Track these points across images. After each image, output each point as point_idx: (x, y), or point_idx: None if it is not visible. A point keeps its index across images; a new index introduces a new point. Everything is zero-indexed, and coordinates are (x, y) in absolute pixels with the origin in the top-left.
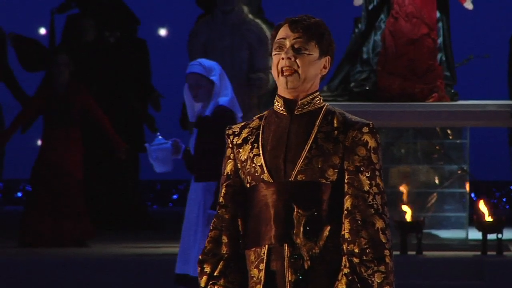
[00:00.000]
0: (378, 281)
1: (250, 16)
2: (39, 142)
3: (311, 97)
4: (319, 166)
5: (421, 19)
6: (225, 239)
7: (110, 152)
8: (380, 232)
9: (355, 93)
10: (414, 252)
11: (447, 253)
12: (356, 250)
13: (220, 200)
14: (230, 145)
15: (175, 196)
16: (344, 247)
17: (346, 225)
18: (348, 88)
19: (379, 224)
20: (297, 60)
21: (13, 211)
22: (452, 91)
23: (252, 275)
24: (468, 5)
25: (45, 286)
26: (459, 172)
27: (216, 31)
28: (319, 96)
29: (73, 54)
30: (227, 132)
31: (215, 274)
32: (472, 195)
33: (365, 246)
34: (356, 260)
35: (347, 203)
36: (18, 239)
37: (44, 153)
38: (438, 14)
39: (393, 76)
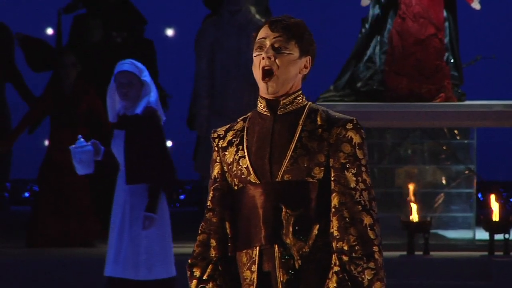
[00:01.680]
0: (369, 278)
1: (257, 16)
2: (46, 143)
3: (293, 96)
4: (305, 165)
5: (428, 19)
6: (213, 242)
7: None
8: (369, 228)
9: (362, 92)
10: (421, 252)
11: (454, 253)
12: (345, 248)
13: (208, 204)
14: (216, 148)
15: (182, 197)
16: (333, 245)
17: (334, 223)
18: (355, 88)
19: (367, 220)
20: (277, 60)
21: (20, 211)
22: (459, 91)
23: (245, 277)
24: (476, 5)
25: (52, 286)
26: (466, 172)
27: (223, 31)
28: (301, 95)
29: (80, 55)
30: (212, 136)
31: (204, 278)
32: (479, 195)
33: (354, 243)
34: (345, 258)
35: (334, 201)
36: (25, 239)
37: (51, 154)
38: (445, 14)
39: (400, 76)
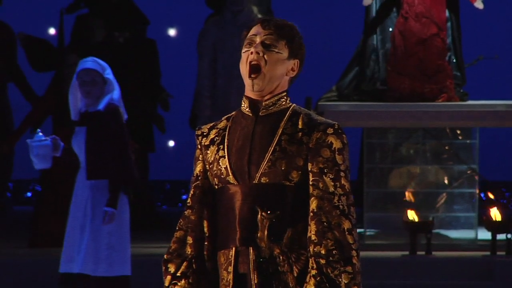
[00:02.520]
0: (345, 282)
1: (260, 16)
2: None
3: (276, 97)
4: (283, 168)
5: (430, 18)
6: (190, 240)
7: None
8: (347, 233)
9: (364, 93)
10: (423, 252)
11: (457, 253)
12: (323, 252)
13: (188, 201)
14: (199, 146)
15: (184, 197)
16: (311, 249)
17: (312, 227)
18: (357, 88)
19: (346, 225)
20: (265, 56)
21: (22, 211)
22: (462, 91)
23: (222, 277)
24: (479, 5)
25: (54, 286)
26: (468, 172)
27: (225, 31)
28: (285, 97)
29: (82, 54)
30: (196, 133)
31: (177, 274)
32: (482, 195)
33: (332, 248)
34: (322, 261)
35: (313, 205)
36: (28, 239)
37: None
38: (447, 14)
39: (402, 76)
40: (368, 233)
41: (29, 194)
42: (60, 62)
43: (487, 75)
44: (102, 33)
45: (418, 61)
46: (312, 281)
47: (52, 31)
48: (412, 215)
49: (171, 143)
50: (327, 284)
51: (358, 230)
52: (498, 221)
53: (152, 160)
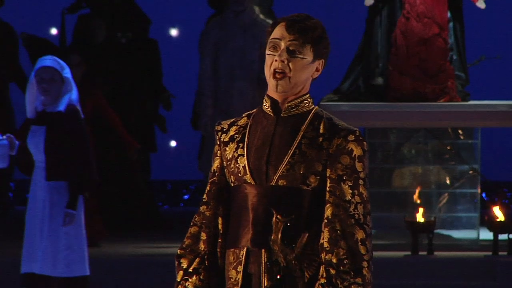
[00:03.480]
0: None
1: (262, 16)
2: None
3: (299, 100)
4: (301, 172)
5: (432, 18)
6: (203, 236)
7: (122, 152)
8: (360, 243)
9: (366, 92)
10: (425, 252)
11: (458, 253)
12: (334, 260)
13: (204, 197)
14: (218, 142)
15: (186, 197)
16: (322, 256)
17: (326, 234)
18: (359, 88)
19: (359, 234)
20: (290, 64)
21: (24, 211)
22: (464, 91)
23: (230, 276)
24: (481, 5)
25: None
26: (470, 172)
27: (227, 31)
28: (308, 99)
29: (84, 54)
30: (216, 128)
31: (189, 270)
32: (483, 195)
33: (343, 257)
34: (332, 271)
35: (328, 212)
36: None
37: None
38: (449, 14)
39: (404, 76)
40: None
41: None
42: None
43: (489, 75)
44: (104, 33)
45: (420, 61)
46: None
47: (54, 31)
48: (419, 216)
49: (173, 143)
50: None
51: None
52: (500, 221)
53: (154, 160)
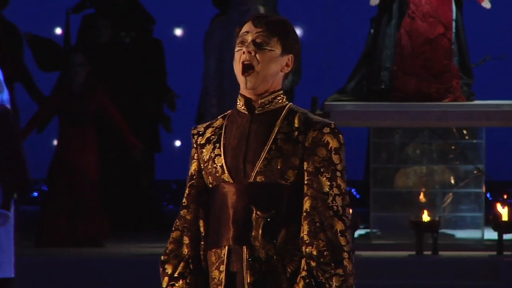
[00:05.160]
0: (337, 285)
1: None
2: (55, 142)
3: (272, 96)
4: (279, 167)
5: (437, 18)
6: (186, 240)
7: (126, 152)
8: (339, 234)
9: (370, 92)
10: (429, 252)
11: (463, 253)
12: (314, 253)
13: (183, 201)
14: (195, 145)
15: None
16: (303, 249)
17: (305, 227)
18: (364, 88)
19: (339, 226)
20: (257, 55)
21: (29, 211)
22: (468, 91)
23: (213, 276)
24: (486, 4)
25: (61, 286)
26: (474, 172)
27: (231, 31)
28: (282, 95)
29: (89, 54)
30: (192, 132)
31: (175, 275)
32: (488, 195)
33: (323, 249)
34: (313, 263)
35: (306, 205)
36: (34, 239)
37: (60, 153)
38: (454, 14)
39: (408, 76)
40: (374, 233)
41: (35, 194)
42: (67, 62)
43: (494, 75)
44: (108, 33)
45: (425, 61)
46: (302, 283)
47: (58, 31)
48: (425, 217)
49: (178, 143)
50: None
51: (364, 231)
52: (505, 221)
53: (158, 160)
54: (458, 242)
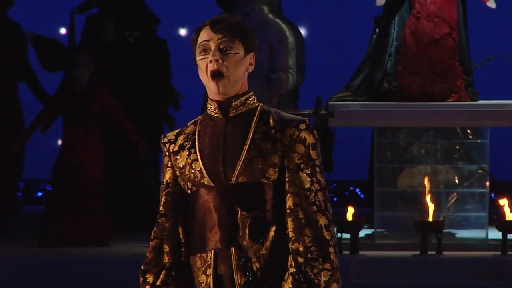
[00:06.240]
0: (325, 280)
1: (270, 16)
2: (59, 142)
3: (244, 97)
4: (259, 166)
5: (443, 18)
6: (166, 247)
7: (129, 152)
8: (324, 229)
9: (375, 92)
10: (434, 252)
11: (467, 253)
12: (301, 249)
13: (160, 209)
14: (167, 153)
15: None
16: (290, 246)
17: (290, 224)
18: (368, 88)
19: (323, 221)
20: (225, 62)
21: (33, 211)
22: (473, 90)
23: (200, 281)
24: (491, 4)
25: (65, 286)
26: (479, 172)
27: None
28: (253, 96)
29: (93, 54)
30: (162, 141)
31: (157, 283)
32: (492, 195)
33: (310, 244)
34: (301, 259)
35: (289, 202)
36: (39, 239)
37: (64, 153)
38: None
39: (413, 76)
40: (378, 233)
41: (39, 193)
42: (71, 62)
43: (498, 75)
44: (113, 33)
45: (430, 60)
46: (290, 279)
47: (63, 30)
48: (430, 211)
49: None
50: (304, 284)
51: (369, 230)
52: (509, 221)
53: (162, 160)
54: (463, 242)
